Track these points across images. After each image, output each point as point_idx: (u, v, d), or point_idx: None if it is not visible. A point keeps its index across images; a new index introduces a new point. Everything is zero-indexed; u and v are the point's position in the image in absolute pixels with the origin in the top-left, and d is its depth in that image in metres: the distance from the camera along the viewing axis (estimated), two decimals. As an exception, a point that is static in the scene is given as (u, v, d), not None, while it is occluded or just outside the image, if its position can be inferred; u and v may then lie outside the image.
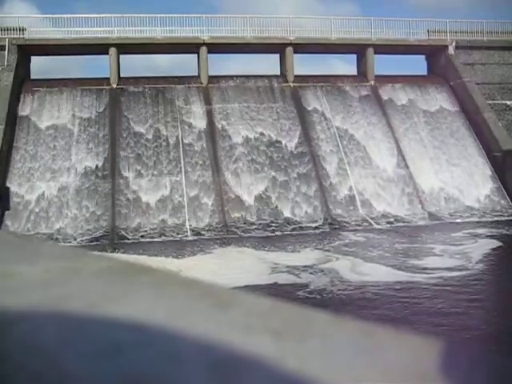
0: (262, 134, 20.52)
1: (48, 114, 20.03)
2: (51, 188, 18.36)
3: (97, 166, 18.98)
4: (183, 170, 19.28)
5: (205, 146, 19.97)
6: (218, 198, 18.90)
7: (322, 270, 12.24)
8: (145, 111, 20.55)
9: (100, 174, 18.91)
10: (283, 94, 22.14)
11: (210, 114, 20.92)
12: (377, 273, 11.70)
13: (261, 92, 21.96)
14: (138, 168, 19.11)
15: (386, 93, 23.04)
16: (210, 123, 20.64)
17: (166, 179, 19.07)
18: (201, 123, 20.50)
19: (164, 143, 19.87)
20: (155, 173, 19.14)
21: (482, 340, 7.35)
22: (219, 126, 20.56)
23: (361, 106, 22.24)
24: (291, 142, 20.52)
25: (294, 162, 19.98)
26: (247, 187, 19.23)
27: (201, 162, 19.50)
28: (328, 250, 14.67)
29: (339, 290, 10.60)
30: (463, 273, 11.65)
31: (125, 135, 19.81)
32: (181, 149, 19.66)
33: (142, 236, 17.33)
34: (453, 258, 13.15)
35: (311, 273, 12.06)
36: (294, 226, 18.12)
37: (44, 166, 18.87)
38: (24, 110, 20.15)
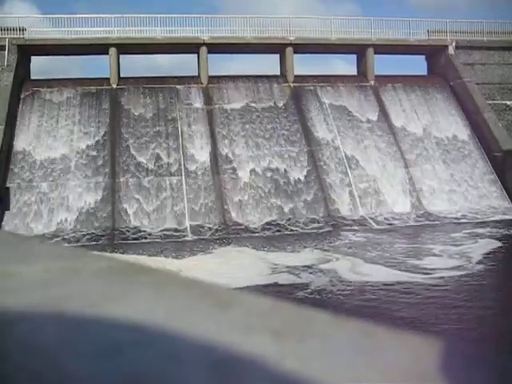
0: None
1: (44, 147, 19.45)
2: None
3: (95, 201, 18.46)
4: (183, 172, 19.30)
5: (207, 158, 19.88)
6: (219, 200, 18.89)
7: (322, 270, 12.26)
8: (145, 132, 20.24)
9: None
10: (283, 94, 22.13)
11: (210, 114, 20.93)
12: (377, 273, 11.73)
13: (261, 92, 21.96)
14: (138, 198, 18.67)
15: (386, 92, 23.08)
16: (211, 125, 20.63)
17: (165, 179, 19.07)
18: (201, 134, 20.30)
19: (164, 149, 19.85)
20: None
21: (479, 339, 7.35)
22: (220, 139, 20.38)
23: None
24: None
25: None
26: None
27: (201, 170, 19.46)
28: (328, 250, 14.68)
29: (338, 290, 10.63)
30: (463, 273, 11.66)
31: (125, 158, 19.51)
32: (182, 161, 19.54)
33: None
34: (452, 259, 13.15)
35: (311, 273, 12.08)
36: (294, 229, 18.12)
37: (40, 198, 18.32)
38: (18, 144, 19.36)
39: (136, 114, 20.56)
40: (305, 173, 19.95)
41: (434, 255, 13.65)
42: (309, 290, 10.59)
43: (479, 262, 12.70)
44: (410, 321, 8.37)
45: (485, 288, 10.84)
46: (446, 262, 12.72)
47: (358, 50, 24.17)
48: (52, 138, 19.57)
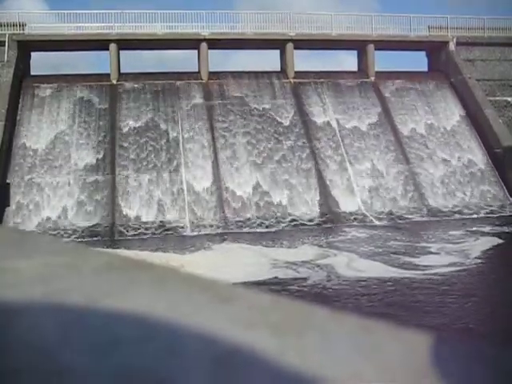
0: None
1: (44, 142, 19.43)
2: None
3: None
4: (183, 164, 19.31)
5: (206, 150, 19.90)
6: (218, 195, 18.88)
7: (319, 266, 12.38)
8: (145, 127, 20.24)
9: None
10: (283, 89, 22.11)
11: (210, 110, 20.91)
12: (372, 269, 11.87)
13: (261, 88, 21.93)
14: (138, 193, 18.72)
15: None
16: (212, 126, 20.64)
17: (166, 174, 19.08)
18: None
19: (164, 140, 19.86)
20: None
21: (473, 335, 7.37)
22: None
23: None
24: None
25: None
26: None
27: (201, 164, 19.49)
28: (326, 246, 14.72)
29: (334, 284, 10.79)
30: (459, 269, 11.69)
31: (124, 153, 19.50)
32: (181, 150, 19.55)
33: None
34: (450, 255, 13.15)
35: (309, 268, 12.20)
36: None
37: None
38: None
39: (136, 110, 20.54)
40: (305, 168, 19.94)
41: (432, 252, 13.66)
42: (306, 285, 10.75)
43: (477, 259, 12.70)
44: (396, 316, 8.48)
45: (478, 285, 10.86)
46: (443, 259, 12.73)
47: (359, 46, 24.14)
48: (52, 134, 19.56)
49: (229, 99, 21.30)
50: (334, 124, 21.34)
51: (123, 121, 20.19)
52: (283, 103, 21.59)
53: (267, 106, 21.30)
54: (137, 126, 20.11)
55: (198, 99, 21.24)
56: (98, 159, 19.15)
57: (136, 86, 21.26)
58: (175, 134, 20.05)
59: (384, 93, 22.85)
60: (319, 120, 21.41)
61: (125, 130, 19.95)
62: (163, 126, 20.23)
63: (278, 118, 21.05)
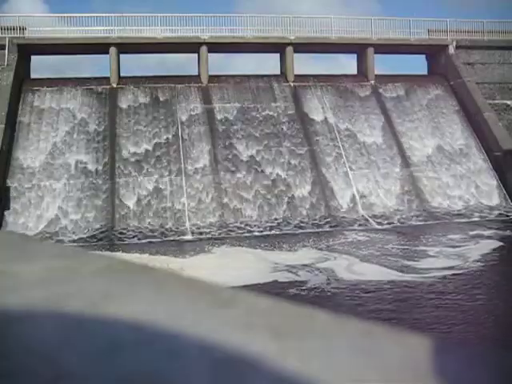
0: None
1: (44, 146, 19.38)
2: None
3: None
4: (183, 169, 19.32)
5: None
6: (219, 200, 18.87)
7: (319, 269, 12.38)
8: (145, 131, 20.28)
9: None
10: (283, 93, 22.13)
11: (210, 113, 20.92)
12: (371, 272, 11.88)
13: (261, 91, 21.95)
14: (138, 197, 18.69)
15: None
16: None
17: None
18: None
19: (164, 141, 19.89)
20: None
21: (475, 338, 7.36)
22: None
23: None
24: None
25: None
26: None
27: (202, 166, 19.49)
28: (326, 250, 14.71)
29: (334, 288, 10.82)
30: (458, 272, 11.68)
31: (124, 158, 19.52)
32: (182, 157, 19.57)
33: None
34: (449, 259, 13.13)
35: (309, 271, 12.20)
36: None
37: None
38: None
39: (136, 113, 20.55)
40: (305, 172, 19.94)
41: (431, 256, 13.63)
42: (306, 288, 10.75)
43: (477, 263, 12.68)
44: (392, 317, 8.49)
45: (479, 287, 10.84)
46: (441, 263, 12.72)
47: (358, 49, 24.16)
48: (52, 138, 19.55)
49: (229, 103, 21.32)
50: (334, 128, 21.36)
51: (123, 125, 20.21)
52: (283, 106, 21.64)
53: (267, 110, 21.32)
54: (137, 130, 20.13)
55: (198, 103, 21.26)
56: (98, 162, 19.17)
57: (136, 89, 21.28)
58: (175, 137, 20.05)
59: (384, 96, 22.84)
60: (319, 124, 21.43)
61: (124, 134, 19.97)
62: (163, 131, 20.25)
63: (278, 122, 21.08)
